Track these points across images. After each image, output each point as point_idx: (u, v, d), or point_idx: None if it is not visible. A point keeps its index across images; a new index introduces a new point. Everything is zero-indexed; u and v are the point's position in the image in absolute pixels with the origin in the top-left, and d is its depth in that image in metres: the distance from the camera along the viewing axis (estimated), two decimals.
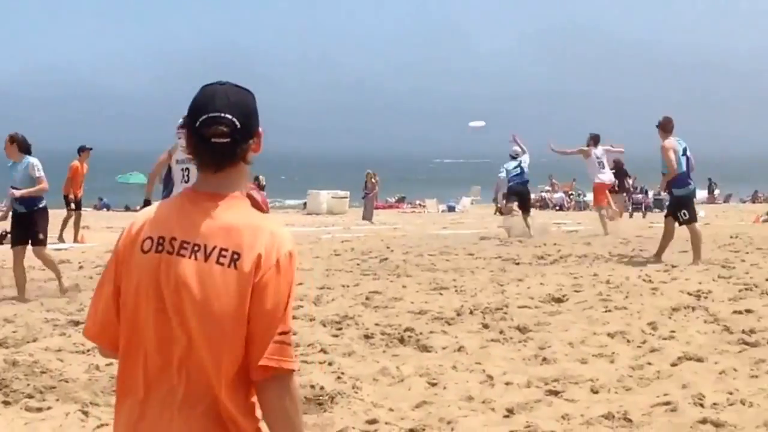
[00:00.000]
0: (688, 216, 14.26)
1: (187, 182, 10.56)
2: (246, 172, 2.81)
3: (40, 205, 11.58)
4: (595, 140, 20.78)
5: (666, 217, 14.85)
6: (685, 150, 14.28)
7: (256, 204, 2.80)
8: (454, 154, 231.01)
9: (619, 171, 34.24)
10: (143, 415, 2.70)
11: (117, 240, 2.84)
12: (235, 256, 2.64)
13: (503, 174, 20.94)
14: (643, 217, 32.99)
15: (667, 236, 14.48)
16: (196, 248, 2.67)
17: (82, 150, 20.70)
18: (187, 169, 10.58)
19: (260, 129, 2.79)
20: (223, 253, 2.65)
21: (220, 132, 2.66)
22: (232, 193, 2.74)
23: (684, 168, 14.20)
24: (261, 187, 26.28)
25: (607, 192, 21.53)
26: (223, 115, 2.66)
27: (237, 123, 2.67)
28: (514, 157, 20.89)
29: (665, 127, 14.37)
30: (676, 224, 14.36)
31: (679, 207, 14.47)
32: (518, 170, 20.62)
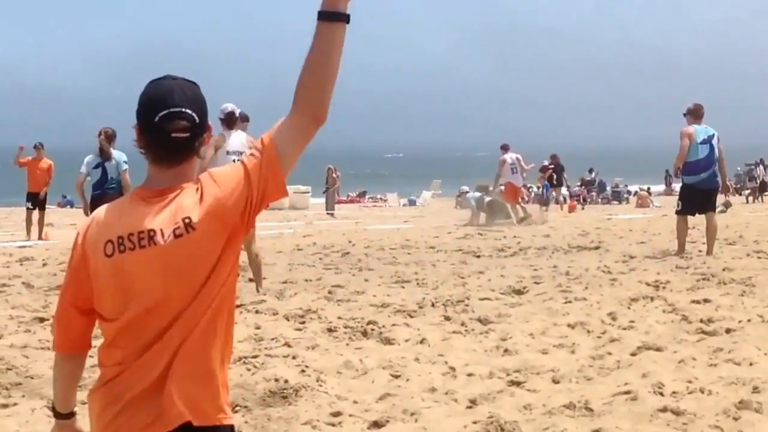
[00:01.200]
0: (680, 207, 14.29)
1: None
2: (198, 166, 2.81)
3: None
4: (504, 148, 24.14)
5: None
6: (710, 138, 14.11)
7: None
8: (405, 148, 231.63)
9: (557, 166, 34.74)
10: (124, 408, 2.65)
11: (74, 251, 2.81)
12: (187, 220, 2.64)
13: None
14: (582, 208, 33.48)
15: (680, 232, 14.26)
16: (152, 233, 2.65)
17: (34, 147, 20.89)
18: (241, 161, 10.76)
19: (209, 122, 2.81)
20: (177, 225, 2.64)
21: (182, 127, 2.66)
22: (184, 184, 2.73)
23: (700, 156, 14.02)
24: None
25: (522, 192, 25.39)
26: (183, 110, 2.67)
27: (196, 118, 2.69)
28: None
29: (694, 113, 14.32)
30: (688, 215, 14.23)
31: (680, 195, 14.52)
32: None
